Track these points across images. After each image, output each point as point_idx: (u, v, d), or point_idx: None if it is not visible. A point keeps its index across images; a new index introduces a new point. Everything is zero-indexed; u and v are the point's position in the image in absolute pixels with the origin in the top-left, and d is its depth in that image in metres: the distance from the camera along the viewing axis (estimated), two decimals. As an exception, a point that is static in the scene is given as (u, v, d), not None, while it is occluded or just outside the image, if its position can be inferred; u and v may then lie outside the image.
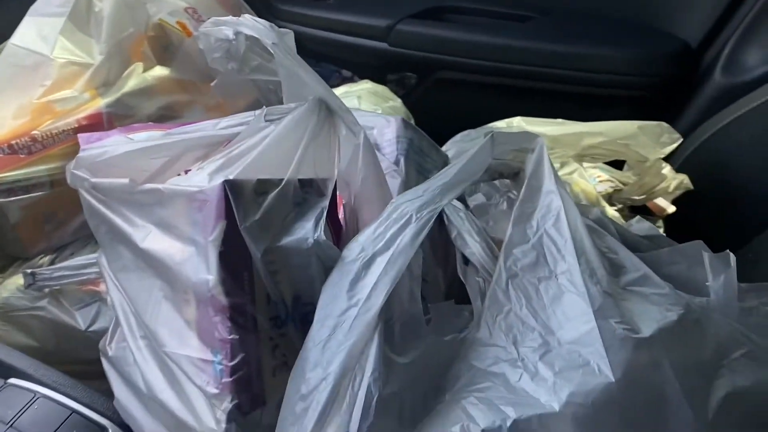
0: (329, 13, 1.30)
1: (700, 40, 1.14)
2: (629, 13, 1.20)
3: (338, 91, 1.12)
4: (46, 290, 0.73)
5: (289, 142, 0.57)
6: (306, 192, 0.56)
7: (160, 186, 0.55)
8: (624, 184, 1.00)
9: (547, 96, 1.19)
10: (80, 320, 0.73)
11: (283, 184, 0.54)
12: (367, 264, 0.49)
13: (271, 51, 0.61)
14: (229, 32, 0.63)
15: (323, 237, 0.53)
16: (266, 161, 0.55)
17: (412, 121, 1.13)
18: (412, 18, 1.25)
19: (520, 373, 0.47)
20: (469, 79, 1.24)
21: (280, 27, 1.32)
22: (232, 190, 0.51)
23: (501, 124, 0.88)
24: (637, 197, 0.93)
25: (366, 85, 1.12)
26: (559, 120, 0.89)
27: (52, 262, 0.78)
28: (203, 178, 0.53)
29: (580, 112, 1.18)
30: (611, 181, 1.00)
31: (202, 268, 0.51)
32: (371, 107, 1.08)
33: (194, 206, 0.52)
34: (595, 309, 0.47)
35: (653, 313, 0.48)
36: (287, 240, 0.52)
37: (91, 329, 0.73)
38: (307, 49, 1.39)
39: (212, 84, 0.80)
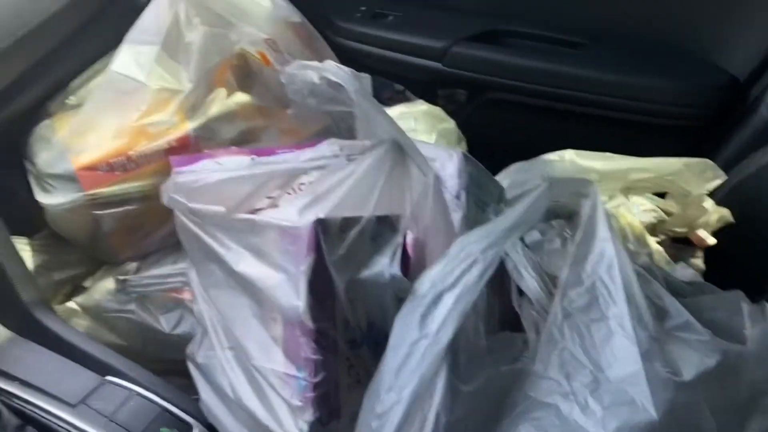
0: (387, 32, 1.35)
1: (747, 74, 1.17)
2: (679, 42, 1.23)
3: (395, 110, 1.18)
4: (134, 295, 0.81)
5: (368, 181, 0.63)
6: (381, 227, 0.63)
7: (254, 217, 0.62)
8: (666, 212, 1.05)
9: (595, 121, 1.23)
10: (165, 324, 0.81)
11: (363, 221, 0.61)
12: (437, 299, 0.56)
13: (353, 96, 0.68)
14: (314, 77, 0.70)
15: (398, 272, 0.59)
16: (349, 200, 0.61)
17: (464, 142, 1.19)
18: (467, 40, 1.30)
19: (572, 405, 0.53)
20: (519, 101, 1.29)
21: (338, 44, 1.39)
22: (321, 227, 0.58)
23: (553, 157, 0.93)
24: (679, 229, 0.97)
25: (422, 107, 1.18)
26: (608, 154, 0.94)
27: (138, 269, 0.86)
28: (294, 213, 0.60)
29: (627, 138, 1.22)
30: (654, 211, 1.04)
31: (292, 295, 0.58)
32: (427, 127, 1.14)
33: (287, 239, 0.59)
34: (642, 352, 0.53)
35: (694, 358, 0.54)
36: (366, 273, 0.59)
37: (174, 333, 0.80)
38: (361, 64, 1.45)
39: (289, 111, 0.87)
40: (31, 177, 0.83)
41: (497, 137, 1.32)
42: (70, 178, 0.79)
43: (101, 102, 0.83)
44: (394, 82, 1.46)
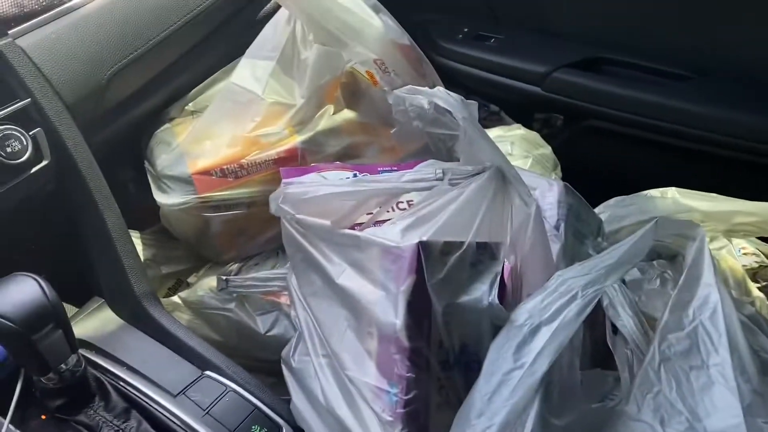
0: (489, 54, 1.37)
1: None
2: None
3: (492, 133, 1.19)
4: (235, 295, 0.86)
5: (470, 207, 0.64)
6: (481, 254, 0.64)
7: (359, 233, 0.65)
8: (768, 256, 1.01)
9: (698, 157, 1.20)
10: (260, 324, 0.85)
11: (465, 247, 0.62)
12: (534, 331, 0.56)
13: (461, 123, 0.69)
14: (424, 102, 0.72)
15: (496, 300, 0.60)
16: (451, 224, 0.63)
17: (560, 168, 1.19)
18: (568, 67, 1.29)
19: (665, 451, 0.52)
20: (618, 131, 1.27)
21: (439, 63, 1.41)
22: (423, 249, 0.59)
23: (655, 194, 0.92)
24: (782, 276, 0.93)
25: (519, 131, 1.18)
26: (713, 195, 0.91)
27: (239, 269, 0.91)
28: (397, 233, 0.63)
29: (730, 177, 1.19)
30: (756, 255, 1.00)
31: (390, 312, 0.60)
32: (522, 152, 1.14)
33: (389, 258, 0.61)
34: (744, 405, 0.52)
35: (800, 417, 0.52)
36: (465, 299, 0.60)
37: (269, 334, 0.84)
38: (458, 83, 1.47)
39: (392, 132, 0.89)
40: (151, 177, 0.89)
41: (593, 165, 1.30)
42: (186, 181, 0.85)
43: (219, 111, 0.88)
44: (490, 103, 1.47)
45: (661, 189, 0.92)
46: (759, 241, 1.02)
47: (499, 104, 1.45)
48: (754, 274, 0.96)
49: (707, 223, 0.89)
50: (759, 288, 0.93)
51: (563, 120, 1.38)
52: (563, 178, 1.15)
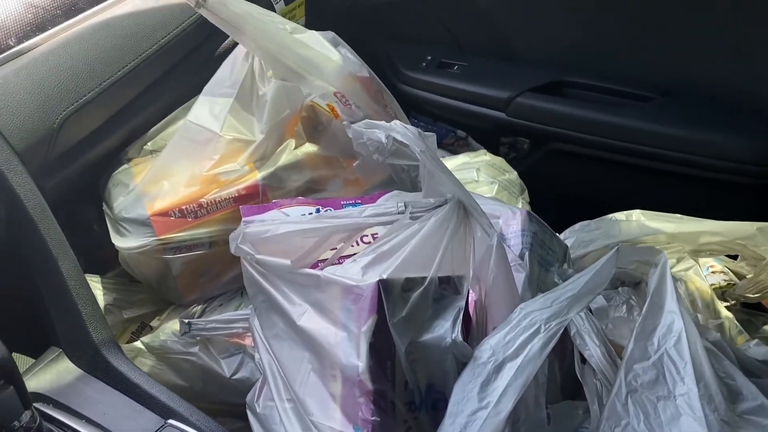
0: (452, 81, 1.37)
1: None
2: (753, 100, 1.20)
3: (458, 161, 1.19)
4: (198, 338, 0.83)
5: (432, 241, 0.63)
6: (444, 289, 0.63)
7: (318, 273, 0.63)
8: (737, 274, 1.01)
9: (664, 177, 1.21)
10: (225, 368, 0.82)
11: (426, 282, 0.61)
12: (498, 368, 0.55)
13: (418, 156, 0.69)
14: (381, 136, 0.71)
15: (459, 337, 0.59)
16: (413, 260, 0.62)
17: (526, 193, 1.19)
18: (531, 91, 1.30)
19: (636, 487, 0.51)
20: (584, 153, 1.28)
21: (404, 91, 1.41)
22: (384, 288, 0.58)
23: (620, 217, 0.92)
24: (751, 294, 0.94)
25: (484, 157, 1.18)
26: (677, 216, 0.91)
27: (203, 311, 0.88)
28: (357, 271, 0.61)
29: (696, 196, 1.20)
30: (724, 273, 1.01)
31: (352, 354, 0.58)
32: (489, 178, 1.14)
33: (350, 298, 0.60)
34: (712, 436, 0.51)
35: (769, 446, 0.51)
36: (428, 337, 0.59)
37: (234, 377, 0.82)
38: (425, 110, 1.47)
39: (354, 164, 0.89)
40: (108, 220, 0.87)
41: (560, 188, 1.31)
42: (143, 223, 0.83)
43: (176, 150, 0.86)
44: (456, 129, 1.48)
45: (626, 212, 0.93)
46: (727, 259, 1.03)
47: (466, 130, 1.46)
48: (723, 292, 0.96)
49: (673, 245, 0.89)
50: (727, 307, 0.93)
51: (529, 144, 1.39)
52: (530, 202, 1.16)
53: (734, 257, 1.04)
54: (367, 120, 0.73)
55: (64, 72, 0.82)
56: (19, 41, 0.85)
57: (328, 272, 0.63)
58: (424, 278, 0.61)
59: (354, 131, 0.76)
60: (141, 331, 0.93)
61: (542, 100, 1.29)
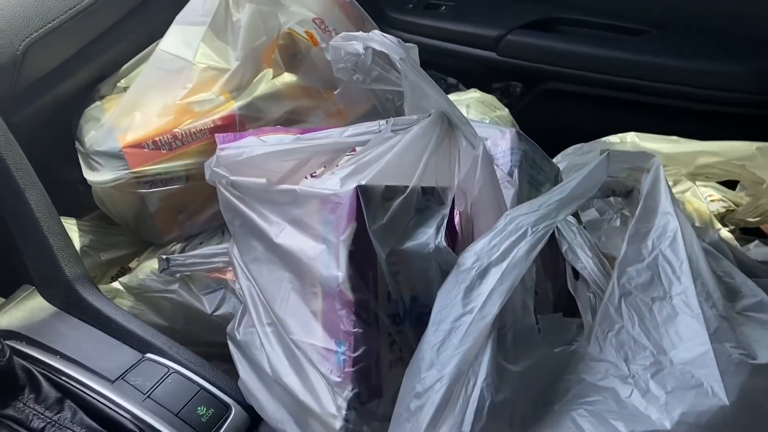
0: (440, 22, 1.33)
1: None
2: (748, 28, 1.16)
3: (447, 99, 1.15)
4: (178, 275, 0.80)
5: (414, 151, 0.60)
6: (427, 199, 0.60)
7: (295, 187, 0.60)
8: (736, 204, 0.98)
9: (660, 111, 1.17)
10: (207, 305, 0.79)
11: (408, 191, 0.58)
12: (482, 273, 0.52)
13: (399, 65, 0.65)
14: (359, 47, 0.67)
15: (443, 243, 0.56)
16: (393, 169, 0.59)
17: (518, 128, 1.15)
18: (522, 28, 1.26)
19: (631, 389, 0.48)
20: (578, 91, 1.24)
21: (390, 34, 1.37)
22: (363, 194, 0.55)
23: (614, 139, 0.88)
24: (751, 219, 0.91)
25: (474, 94, 1.14)
26: (674, 137, 0.88)
27: (182, 250, 0.85)
28: (336, 182, 0.58)
29: (694, 128, 1.16)
30: (723, 201, 0.98)
31: (332, 265, 0.55)
32: (479, 116, 1.10)
33: (328, 208, 0.56)
34: (711, 332, 0.48)
35: (771, 340, 0.48)
36: (410, 244, 0.56)
37: (216, 314, 0.79)
38: (414, 56, 1.43)
39: (335, 92, 0.85)
40: (80, 155, 0.83)
41: (555, 130, 1.26)
42: (116, 156, 0.79)
43: (148, 81, 0.83)
44: (447, 75, 1.44)
45: (620, 135, 0.89)
46: (724, 188, 1.00)
47: (456, 75, 1.41)
48: (722, 218, 0.93)
49: (669, 167, 0.86)
50: (728, 231, 0.90)
51: (522, 87, 1.35)
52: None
53: (733, 187, 1.01)
54: (344, 33, 0.69)
55: (27, -3, 0.78)
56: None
57: (306, 185, 0.60)
58: (406, 187, 0.58)
59: (332, 48, 0.72)
60: (121, 275, 0.90)
61: (533, 36, 1.25)
